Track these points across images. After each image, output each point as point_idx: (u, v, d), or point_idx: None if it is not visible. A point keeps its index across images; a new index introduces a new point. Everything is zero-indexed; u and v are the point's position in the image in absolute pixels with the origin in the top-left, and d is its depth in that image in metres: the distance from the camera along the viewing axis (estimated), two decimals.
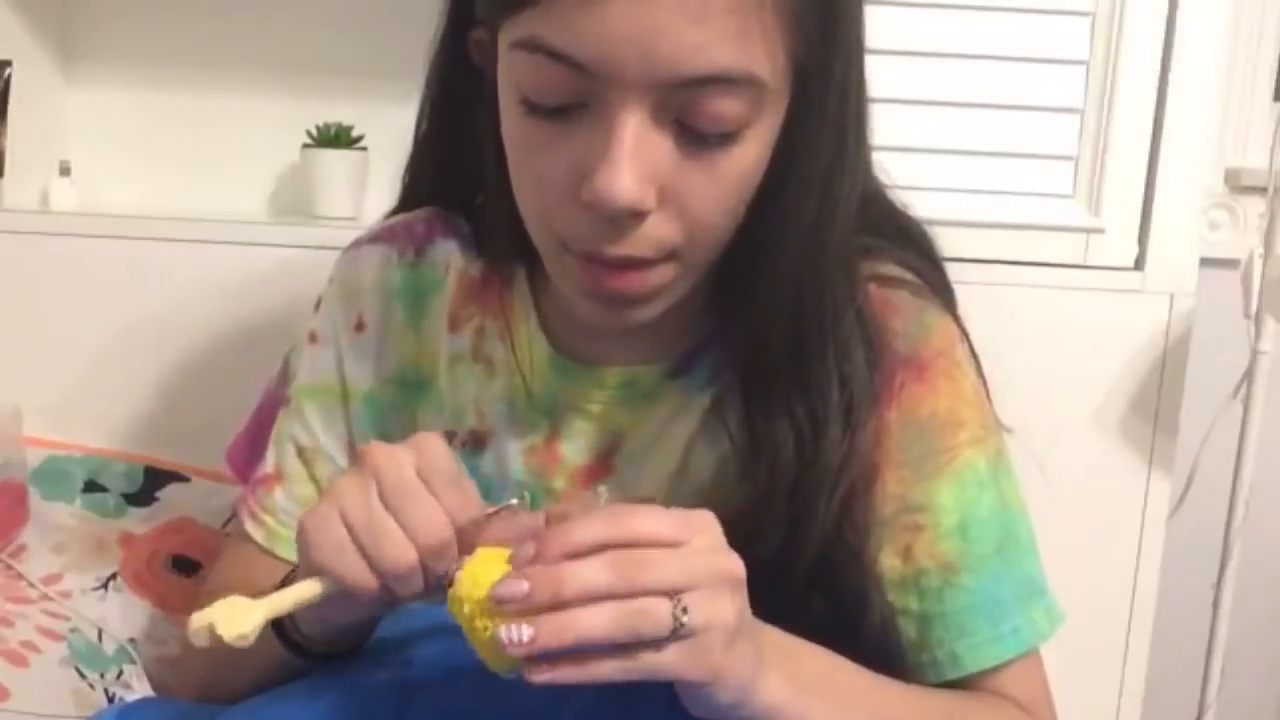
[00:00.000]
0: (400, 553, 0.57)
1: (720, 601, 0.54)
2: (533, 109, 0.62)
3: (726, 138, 0.61)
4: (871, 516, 0.70)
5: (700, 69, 0.58)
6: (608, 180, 0.59)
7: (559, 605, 0.52)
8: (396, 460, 0.59)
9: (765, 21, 0.59)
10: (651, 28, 0.57)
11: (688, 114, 0.60)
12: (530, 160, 0.64)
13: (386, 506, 0.58)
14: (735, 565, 0.55)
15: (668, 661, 0.53)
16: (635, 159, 0.59)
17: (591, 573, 0.52)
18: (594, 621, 0.52)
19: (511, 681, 0.55)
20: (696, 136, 0.61)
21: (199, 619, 0.56)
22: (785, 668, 0.59)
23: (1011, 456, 0.75)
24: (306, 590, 0.59)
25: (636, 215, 0.61)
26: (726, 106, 0.60)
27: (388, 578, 0.58)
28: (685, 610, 0.52)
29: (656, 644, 0.53)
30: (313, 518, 0.59)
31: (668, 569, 0.53)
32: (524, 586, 0.52)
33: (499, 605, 0.53)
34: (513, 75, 0.62)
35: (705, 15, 0.57)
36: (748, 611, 0.56)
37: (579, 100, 0.60)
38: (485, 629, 0.54)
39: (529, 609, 0.52)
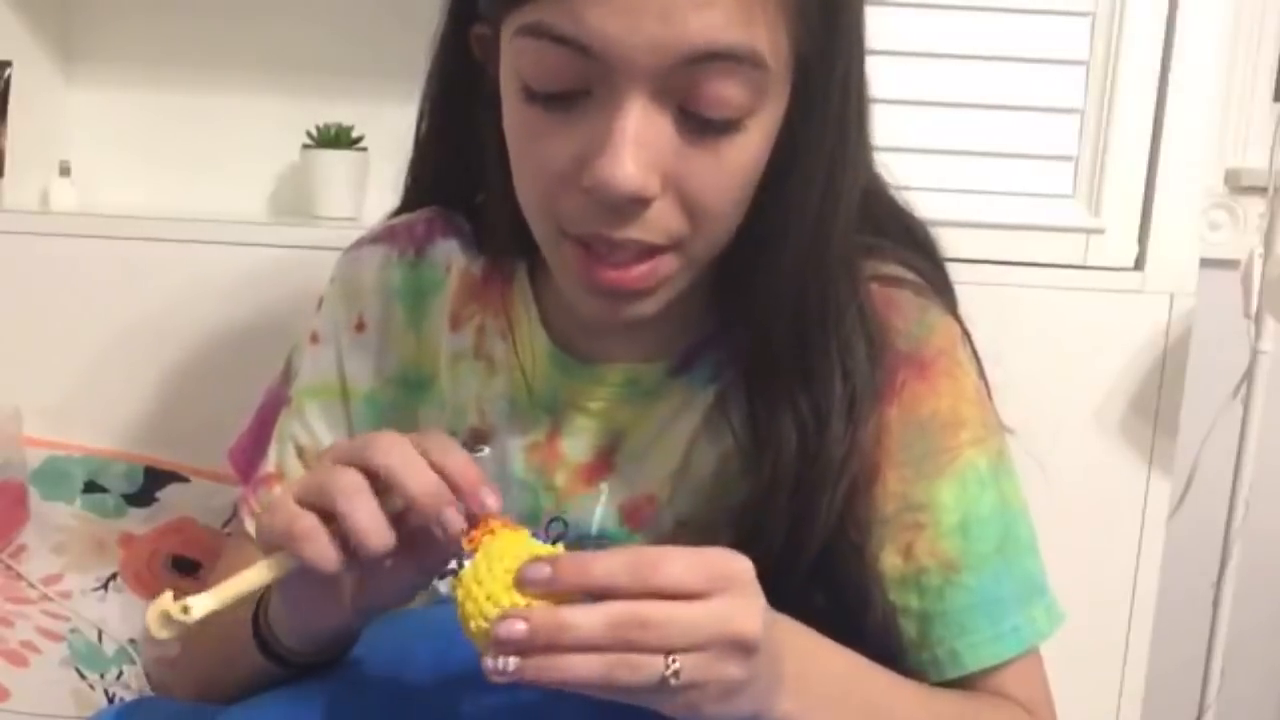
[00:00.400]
0: (348, 478, 0.56)
1: (720, 665, 0.53)
2: (535, 97, 0.62)
3: (729, 125, 0.61)
4: (873, 515, 0.70)
5: (704, 46, 0.58)
6: (610, 167, 0.59)
7: (552, 652, 0.52)
8: (343, 442, 0.59)
9: (769, 9, 0.59)
10: (656, 12, 0.57)
11: (691, 99, 0.60)
12: (532, 149, 0.64)
13: (352, 459, 0.57)
14: (749, 628, 0.54)
15: (655, 703, 0.54)
16: (638, 145, 0.59)
17: (589, 627, 0.51)
18: (579, 670, 0.51)
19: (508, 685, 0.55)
20: (700, 123, 0.61)
21: (154, 606, 0.56)
22: (801, 680, 0.60)
23: (1012, 456, 0.75)
24: (264, 569, 0.57)
25: (639, 202, 0.61)
26: (729, 90, 0.60)
27: (338, 504, 0.56)
28: (677, 673, 0.52)
29: (644, 689, 0.53)
30: (271, 502, 0.59)
31: (669, 632, 0.52)
32: (522, 629, 0.52)
33: (496, 642, 0.52)
34: (515, 64, 0.62)
35: (709, 1, 0.57)
36: (761, 662, 0.55)
37: (582, 87, 0.60)
38: (480, 630, 0.53)
39: (523, 651, 0.52)
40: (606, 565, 0.53)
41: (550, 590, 0.53)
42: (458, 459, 0.57)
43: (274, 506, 0.58)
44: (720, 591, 0.53)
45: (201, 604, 0.56)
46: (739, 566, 0.55)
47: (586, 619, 0.52)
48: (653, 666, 0.52)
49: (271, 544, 0.58)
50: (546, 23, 0.59)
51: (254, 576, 0.57)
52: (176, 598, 0.56)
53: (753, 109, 0.61)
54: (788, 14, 0.60)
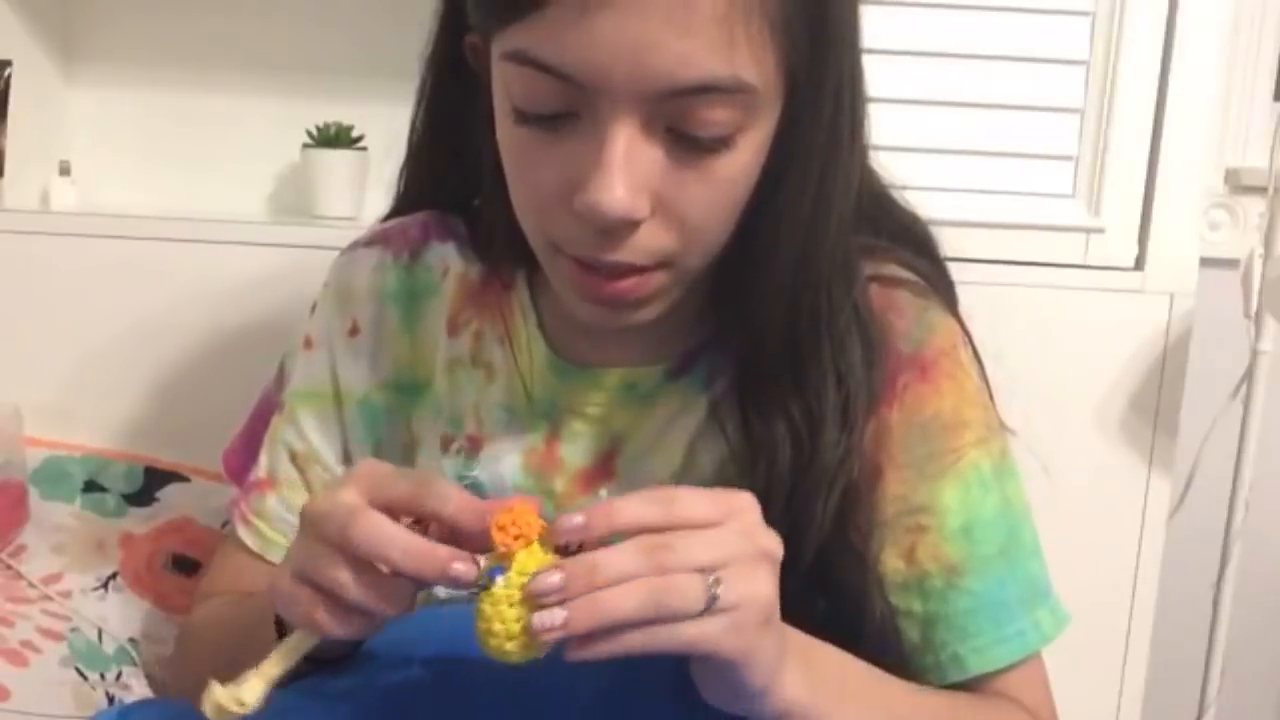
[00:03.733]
0: (334, 570, 0.55)
1: (756, 578, 0.54)
2: (525, 118, 0.62)
3: (719, 143, 0.61)
4: (874, 518, 0.70)
5: (688, 79, 0.58)
6: (599, 191, 0.59)
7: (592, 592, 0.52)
8: (333, 501, 0.56)
9: (752, 31, 0.59)
10: (639, 41, 0.57)
11: (679, 121, 0.60)
12: (524, 168, 0.64)
13: (338, 545, 0.55)
14: (772, 544, 0.56)
15: (705, 634, 0.53)
16: (627, 169, 0.59)
17: (623, 559, 0.52)
18: (624, 604, 0.51)
19: (517, 679, 0.55)
20: (689, 143, 0.60)
21: (207, 698, 0.57)
22: (805, 667, 0.59)
23: (1015, 457, 0.75)
24: (297, 643, 0.59)
25: (629, 224, 0.61)
26: (717, 113, 0.60)
27: (340, 594, 0.55)
28: (719, 583, 0.52)
29: (693, 618, 0.52)
30: (278, 581, 0.59)
31: (699, 549, 0.53)
32: (557, 580, 0.51)
33: (536, 599, 0.52)
34: (504, 85, 0.62)
35: (692, 27, 0.57)
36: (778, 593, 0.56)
37: (570, 110, 0.60)
38: (518, 619, 0.53)
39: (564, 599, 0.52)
40: (631, 505, 0.54)
41: (584, 538, 0.53)
42: (459, 506, 0.56)
43: (276, 588, 0.58)
44: (733, 516, 0.55)
45: (253, 692, 0.57)
46: (744, 500, 0.56)
47: (615, 553, 0.52)
48: (696, 586, 0.52)
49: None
50: (530, 51, 0.59)
51: (289, 651, 0.59)
52: (223, 682, 0.57)
53: (742, 127, 0.61)
54: (774, 31, 0.60)
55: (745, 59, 0.59)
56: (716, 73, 0.58)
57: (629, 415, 0.74)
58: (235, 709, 0.56)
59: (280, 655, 0.59)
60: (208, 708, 0.57)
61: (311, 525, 0.57)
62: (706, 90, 0.59)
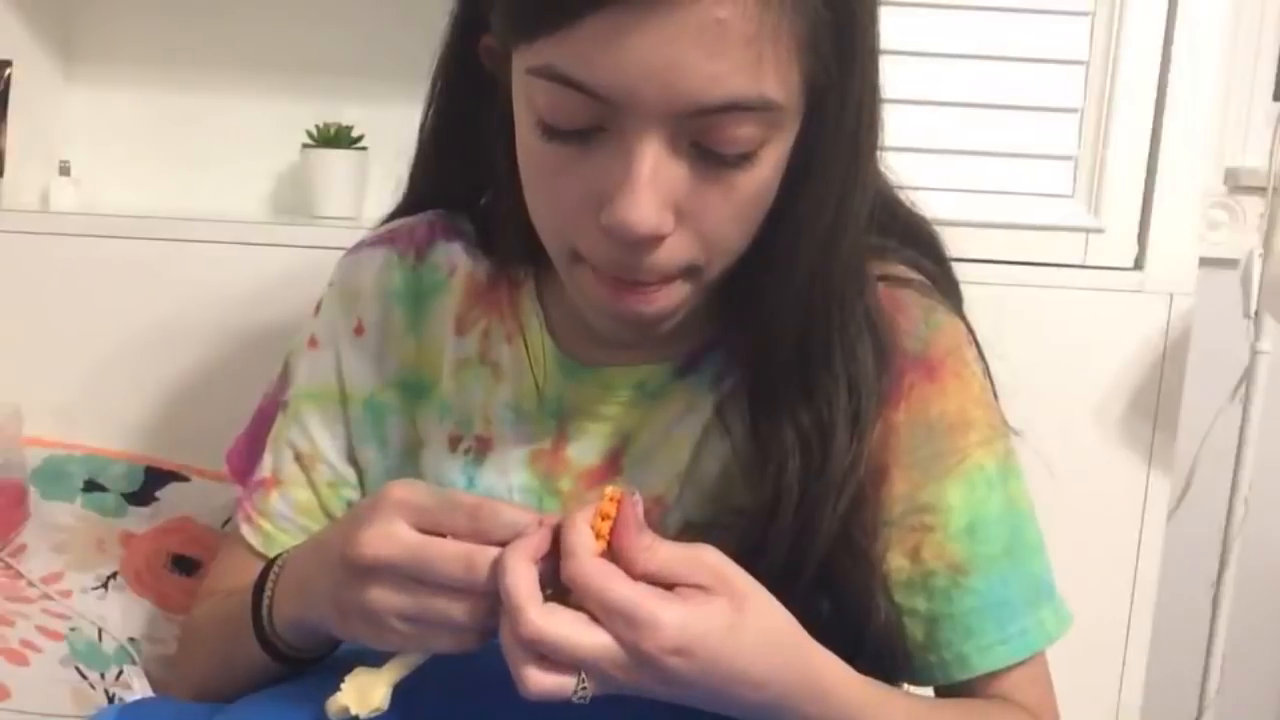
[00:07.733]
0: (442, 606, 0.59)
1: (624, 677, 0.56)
2: (550, 132, 0.61)
3: (742, 158, 0.61)
4: (879, 517, 0.70)
5: (716, 99, 0.58)
6: (627, 208, 0.59)
7: None
8: (394, 540, 0.59)
9: (780, 49, 0.59)
10: (669, 61, 0.57)
11: (704, 138, 0.60)
12: (547, 181, 0.64)
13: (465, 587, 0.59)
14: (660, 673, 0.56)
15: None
16: (654, 185, 0.59)
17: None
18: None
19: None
20: (713, 158, 0.61)
21: (334, 702, 0.60)
22: (819, 699, 0.61)
23: (1019, 457, 0.75)
24: (414, 657, 0.62)
25: (655, 239, 0.61)
26: (743, 130, 0.60)
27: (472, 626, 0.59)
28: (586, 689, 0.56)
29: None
30: (357, 627, 0.62)
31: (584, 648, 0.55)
32: None
33: None
34: (529, 98, 0.62)
35: (721, 47, 0.57)
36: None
37: (596, 124, 0.60)
38: None
39: None
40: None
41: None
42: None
43: (364, 632, 0.61)
44: (627, 631, 0.55)
45: (382, 695, 0.60)
46: (665, 621, 0.55)
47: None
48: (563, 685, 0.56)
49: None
50: (559, 68, 0.59)
51: (406, 661, 0.62)
52: (339, 679, 0.60)
53: (765, 141, 0.61)
54: (800, 48, 0.60)
55: (772, 77, 0.59)
56: (744, 92, 0.58)
57: (637, 414, 0.75)
58: (368, 715, 0.59)
59: (400, 663, 0.61)
60: (332, 709, 0.60)
61: (410, 569, 0.59)
62: (733, 109, 0.59)
